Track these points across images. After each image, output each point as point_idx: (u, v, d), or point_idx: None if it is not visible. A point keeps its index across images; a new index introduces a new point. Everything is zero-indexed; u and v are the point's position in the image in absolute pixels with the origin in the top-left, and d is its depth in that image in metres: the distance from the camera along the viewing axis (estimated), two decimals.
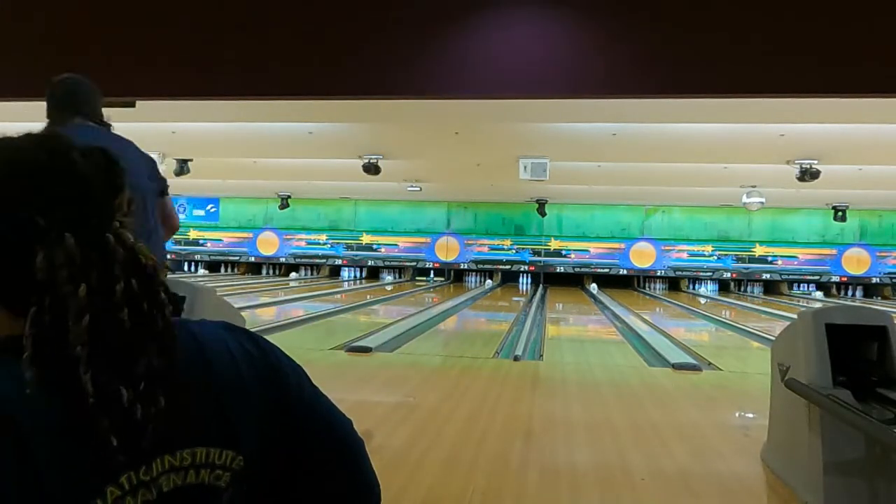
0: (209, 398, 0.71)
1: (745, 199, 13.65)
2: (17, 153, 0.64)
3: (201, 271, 20.43)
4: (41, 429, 0.59)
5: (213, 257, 20.98)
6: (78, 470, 0.60)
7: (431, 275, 20.43)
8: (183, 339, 0.71)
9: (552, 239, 19.74)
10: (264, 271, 21.01)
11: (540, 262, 19.83)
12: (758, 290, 19.40)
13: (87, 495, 0.60)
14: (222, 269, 20.95)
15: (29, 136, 0.66)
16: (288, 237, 20.57)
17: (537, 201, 17.32)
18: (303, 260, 20.70)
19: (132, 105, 4.34)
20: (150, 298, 0.64)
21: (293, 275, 20.49)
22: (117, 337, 0.61)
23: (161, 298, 0.66)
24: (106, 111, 2.91)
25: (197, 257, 20.91)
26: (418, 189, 15.39)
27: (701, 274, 19.47)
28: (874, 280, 18.65)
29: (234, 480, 0.70)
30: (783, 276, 19.14)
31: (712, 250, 19.25)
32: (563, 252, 19.74)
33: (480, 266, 20.07)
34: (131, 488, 0.63)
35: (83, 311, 0.59)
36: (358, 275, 20.70)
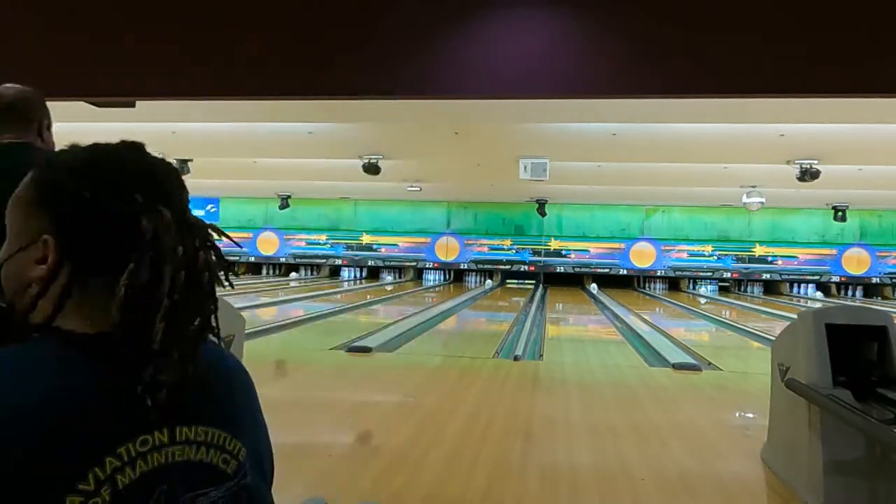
0: (227, 391, 0.80)
1: (745, 199, 13.65)
2: (115, 151, 0.79)
3: None
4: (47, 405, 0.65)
5: None
6: (76, 441, 0.64)
7: (434, 277, 20.41)
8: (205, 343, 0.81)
9: (552, 239, 19.74)
10: (264, 271, 21.01)
11: (540, 262, 19.83)
12: (758, 290, 19.40)
13: (84, 466, 0.64)
14: None
15: (122, 142, 0.82)
16: (288, 237, 20.56)
17: (537, 201, 17.32)
18: (303, 260, 20.70)
19: (132, 105, 4.34)
20: (213, 272, 0.77)
21: (293, 275, 20.49)
22: (197, 298, 0.74)
23: (218, 274, 0.79)
24: (107, 111, 2.90)
25: None
26: (418, 189, 15.39)
27: (701, 274, 19.47)
28: (874, 280, 18.65)
29: (238, 470, 0.75)
30: (783, 276, 19.14)
31: (712, 250, 19.25)
32: (563, 252, 19.74)
33: (480, 266, 20.07)
34: (129, 459, 0.67)
35: (180, 267, 0.71)
36: (358, 275, 20.70)
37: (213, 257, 0.78)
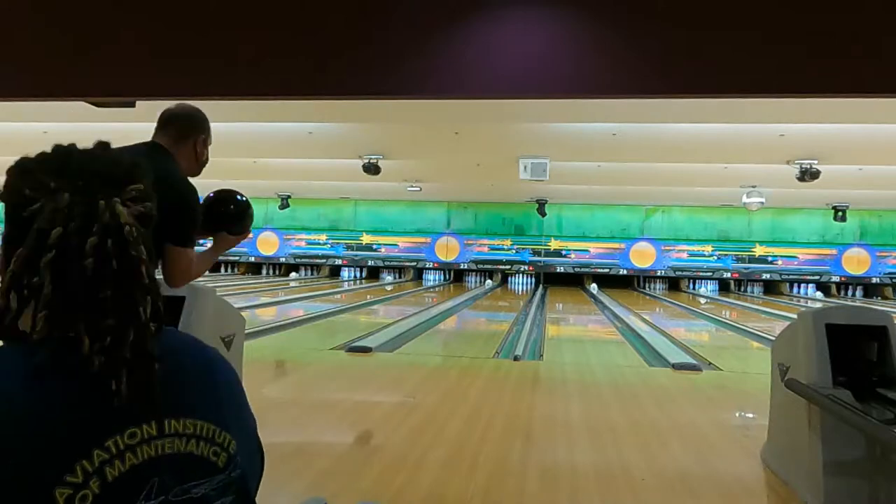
0: (211, 384, 0.80)
1: (745, 199, 13.65)
2: (66, 148, 0.79)
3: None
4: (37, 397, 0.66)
5: None
6: (62, 434, 0.65)
7: (432, 277, 20.41)
8: (184, 337, 0.82)
9: (552, 239, 19.74)
10: (264, 271, 21.01)
11: (540, 262, 19.83)
12: (758, 290, 19.40)
13: (71, 459, 0.64)
14: (222, 269, 20.94)
15: (97, 142, 0.82)
16: (288, 237, 20.56)
17: (537, 201, 17.32)
18: (303, 260, 20.69)
19: (132, 105, 4.34)
20: (123, 260, 0.73)
21: (293, 275, 20.49)
22: (77, 283, 0.70)
23: (135, 266, 0.74)
24: (107, 111, 2.90)
25: None
26: (418, 189, 15.39)
27: (701, 274, 19.47)
28: (874, 280, 18.65)
29: (229, 463, 0.76)
30: (783, 276, 19.14)
31: (712, 250, 19.25)
32: (563, 252, 19.74)
33: (480, 266, 20.07)
34: (118, 452, 0.67)
35: (49, 249, 0.70)
36: (358, 275, 20.70)
37: (112, 246, 0.72)
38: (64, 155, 0.78)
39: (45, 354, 0.68)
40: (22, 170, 0.76)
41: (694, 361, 6.73)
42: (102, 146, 0.81)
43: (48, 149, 0.79)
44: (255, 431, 0.85)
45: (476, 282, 20.03)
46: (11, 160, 0.79)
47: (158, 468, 0.69)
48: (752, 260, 19.15)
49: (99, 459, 0.65)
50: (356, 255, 20.38)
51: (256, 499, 0.82)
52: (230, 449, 0.76)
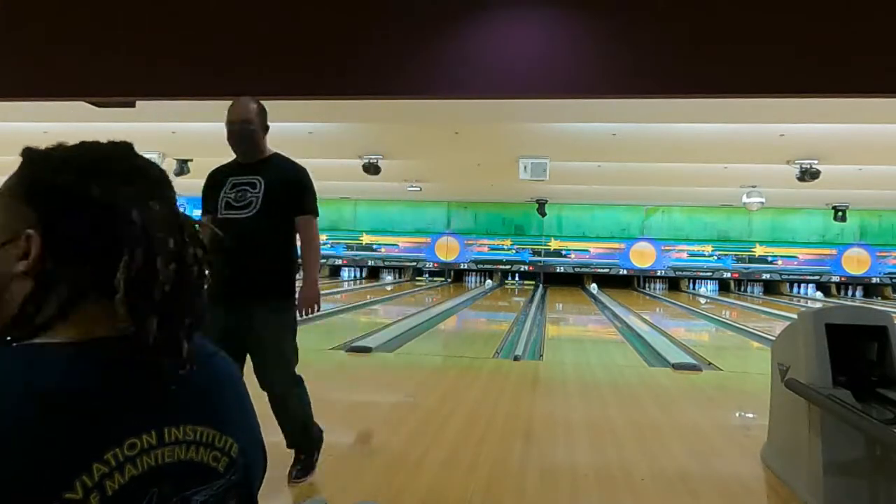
0: (217, 386, 0.79)
1: (745, 199, 13.65)
2: (102, 148, 0.79)
3: None
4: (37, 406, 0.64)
5: None
6: (60, 448, 0.63)
7: (426, 275, 20.40)
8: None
9: (552, 239, 19.73)
10: None
11: (540, 262, 19.82)
12: (758, 290, 19.40)
13: (70, 474, 0.63)
14: None
15: (109, 142, 0.81)
16: None
17: (537, 201, 17.32)
18: None
19: (132, 105, 4.34)
20: (202, 267, 0.76)
21: None
22: (187, 293, 0.73)
23: (204, 272, 0.77)
24: (107, 111, 2.91)
25: None
26: (418, 189, 15.39)
27: (701, 274, 19.47)
28: (874, 280, 18.65)
29: (230, 466, 0.75)
30: (783, 276, 19.14)
31: (712, 250, 19.25)
32: (563, 252, 19.74)
33: (480, 266, 20.07)
34: (118, 464, 0.65)
35: (171, 258, 0.71)
36: (358, 275, 20.70)
37: (201, 252, 0.76)
38: (125, 159, 0.78)
39: (53, 368, 0.66)
40: (80, 169, 0.74)
41: (694, 361, 6.73)
42: (125, 147, 0.80)
43: (70, 148, 0.77)
44: (257, 429, 0.84)
45: (476, 282, 20.03)
46: (11, 160, 0.77)
47: (159, 478, 0.68)
48: (752, 260, 19.15)
49: (99, 473, 0.64)
50: (356, 255, 20.38)
51: (258, 498, 0.82)
52: (231, 453, 0.75)
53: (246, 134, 3.04)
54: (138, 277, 0.69)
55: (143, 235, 0.71)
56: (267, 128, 3.21)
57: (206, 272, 0.77)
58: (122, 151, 0.79)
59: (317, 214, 3.45)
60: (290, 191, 3.21)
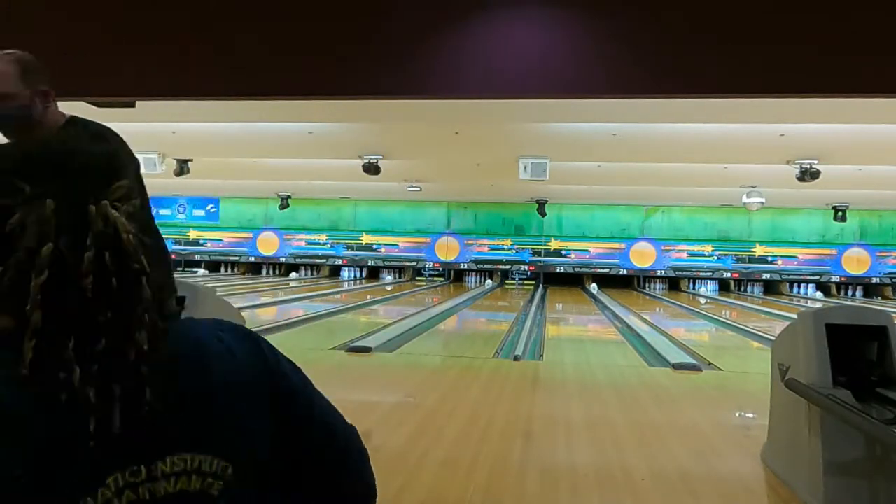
0: (205, 408, 0.71)
1: (745, 199, 13.65)
2: (26, 144, 0.70)
3: (201, 271, 20.42)
4: (33, 424, 0.61)
5: (213, 257, 20.97)
6: (64, 468, 0.61)
7: (427, 274, 20.39)
8: (183, 345, 0.72)
9: (552, 239, 19.73)
10: (264, 271, 21.01)
11: (540, 262, 19.82)
12: (758, 290, 19.40)
13: (78, 493, 0.60)
14: (222, 269, 20.94)
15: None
16: (288, 237, 20.56)
17: (537, 201, 17.32)
18: (303, 260, 20.69)
19: (132, 105, 4.34)
20: (123, 277, 0.63)
21: (293, 275, 20.49)
22: (77, 306, 0.61)
23: (138, 282, 0.65)
24: (107, 111, 2.91)
25: (197, 257, 20.90)
26: (418, 189, 15.39)
27: (701, 274, 19.47)
28: (874, 280, 18.65)
29: (226, 489, 0.70)
30: (783, 276, 19.14)
31: (712, 250, 19.25)
32: (563, 252, 19.74)
33: (480, 266, 20.07)
34: (117, 490, 0.63)
35: (41, 269, 0.60)
36: (358, 275, 20.70)
37: (111, 260, 0.63)
38: (30, 151, 0.69)
39: (28, 392, 0.61)
40: None
41: (694, 361, 6.73)
42: (62, 138, 0.73)
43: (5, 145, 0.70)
44: (263, 432, 0.75)
45: (476, 282, 20.03)
46: None
47: None
48: (752, 260, 19.14)
49: None
50: (356, 255, 20.38)
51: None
52: (226, 476, 0.70)
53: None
54: (8, 293, 0.61)
55: (14, 241, 0.61)
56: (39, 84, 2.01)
57: (140, 280, 0.65)
58: (51, 144, 0.70)
59: None
60: None
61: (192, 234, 20.75)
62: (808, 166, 9.67)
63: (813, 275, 18.91)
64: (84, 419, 0.61)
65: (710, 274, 19.41)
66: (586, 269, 19.60)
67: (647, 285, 19.67)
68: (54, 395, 0.61)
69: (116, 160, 0.70)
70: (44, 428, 0.61)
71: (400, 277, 20.47)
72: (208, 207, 20.65)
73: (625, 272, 19.49)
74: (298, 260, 20.69)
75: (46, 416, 0.61)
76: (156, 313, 0.66)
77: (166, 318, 0.70)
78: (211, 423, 0.71)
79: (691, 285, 19.75)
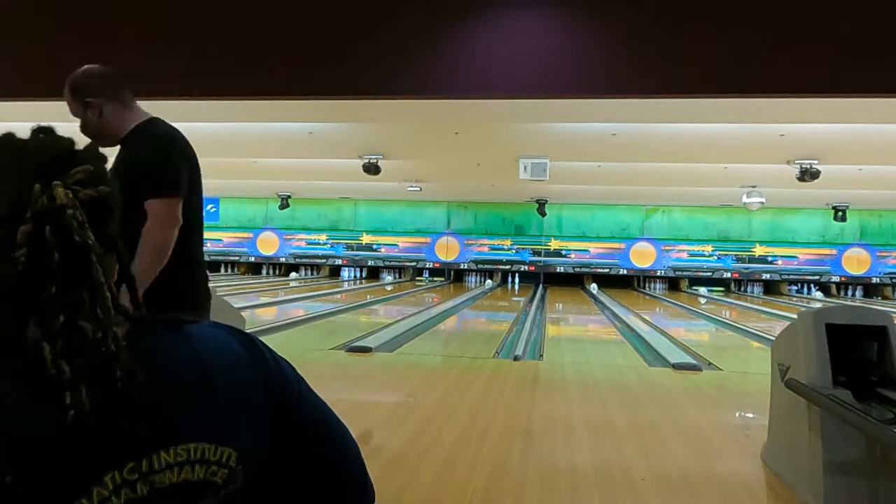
0: (205, 396, 0.71)
1: (745, 199, 13.65)
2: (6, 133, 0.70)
3: None
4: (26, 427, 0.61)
5: (213, 257, 20.97)
6: (60, 468, 0.60)
7: (426, 274, 20.40)
8: (176, 339, 0.73)
9: (552, 239, 19.73)
10: (264, 271, 21.01)
11: (540, 262, 19.82)
12: (758, 290, 19.40)
13: (71, 495, 0.60)
14: (222, 269, 20.94)
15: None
16: (288, 237, 20.56)
17: (537, 201, 17.32)
18: (303, 260, 20.69)
19: None
20: (66, 250, 0.63)
21: (293, 275, 20.49)
22: (7, 280, 0.61)
23: (83, 255, 0.63)
24: None
25: None
26: (418, 189, 15.39)
27: (701, 274, 19.47)
28: (874, 280, 18.65)
29: (229, 477, 0.70)
30: (783, 276, 19.14)
31: (712, 250, 19.25)
32: (563, 252, 19.74)
33: (480, 266, 20.07)
34: (115, 488, 0.63)
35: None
36: (358, 275, 20.70)
37: (57, 233, 0.62)
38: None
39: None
40: None
41: (694, 361, 6.72)
42: (40, 131, 0.71)
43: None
44: (265, 422, 0.76)
45: (476, 282, 20.03)
46: None
47: (156, 501, 0.65)
48: (752, 260, 19.14)
49: (99, 498, 0.61)
50: (356, 255, 20.38)
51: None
52: (230, 463, 0.70)
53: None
54: None
55: None
56: (106, 92, 2.50)
57: (87, 254, 0.63)
58: (9, 134, 0.71)
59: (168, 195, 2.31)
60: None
61: None
62: (808, 166, 9.67)
63: (813, 275, 18.91)
64: (70, 413, 0.60)
65: (710, 274, 19.40)
66: (586, 269, 19.60)
67: (647, 285, 19.67)
68: (35, 389, 0.60)
69: (82, 152, 0.70)
70: (28, 425, 0.61)
71: (400, 277, 20.46)
72: (208, 207, 20.58)
73: (625, 272, 19.49)
74: (298, 260, 20.70)
75: (30, 413, 0.61)
76: (109, 293, 0.65)
77: (139, 308, 0.71)
78: (211, 411, 0.71)
79: (692, 285, 19.76)
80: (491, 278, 19.91)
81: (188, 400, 0.70)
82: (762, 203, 13.72)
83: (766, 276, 19.17)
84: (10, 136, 0.70)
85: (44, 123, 0.73)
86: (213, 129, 8.80)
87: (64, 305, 0.62)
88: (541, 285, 18.96)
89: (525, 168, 9.96)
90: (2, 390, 0.62)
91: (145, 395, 0.64)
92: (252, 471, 0.73)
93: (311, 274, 20.74)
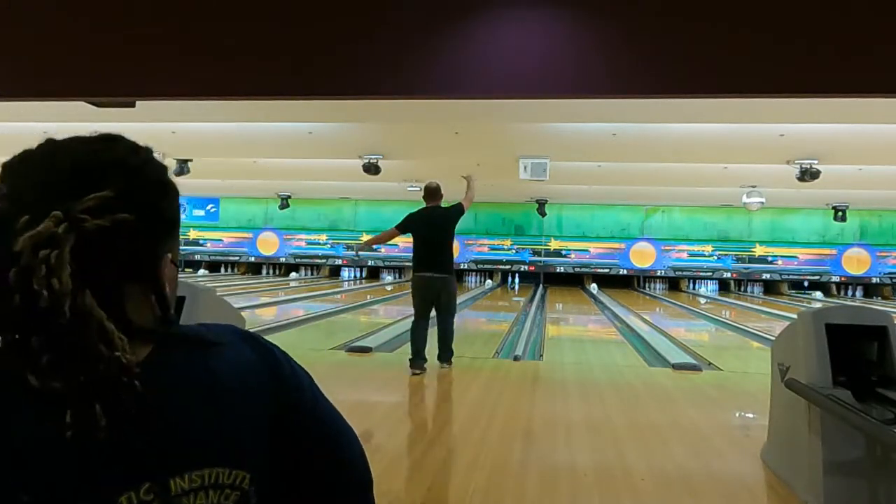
0: (219, 418, 0.70)
1: (745, 199, 13.64)
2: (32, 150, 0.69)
3: (201, 271, 20.43)
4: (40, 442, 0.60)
5: (213, 257, 20.97)
6: (73, 490, 0.60)
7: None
8: (196, 358, 0.71)
9: (552, 239, 19.73)
10: (264, 271, 21.01)
11: (540, 262, 19.82)
12: (758, 290, 19.40)
13: None
14: (222, 269, 20.94)
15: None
16: (288, 237, 20.56)
17: (537, 201, 17.32)
18: (303, 260, 20.69)
19: (132, 105, 4.34)
20: (50, 296, 0.59)
21: (293, 275, 20.49)
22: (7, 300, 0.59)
23: (57, 304, 0.60)
24: (107, 111, 2.91)
25: (197, 257, 20.90)
26: (418, 189, 15.37)
27: (701, 274, 19.46)
28: (874, 280, 18.64)
29: (241, 499, 0.70)
30: (783, 276, 19.13)
31: (712, 250, 19.25)
32: (563, 252, 19.73)
33: (480, 266, 20.07)
34: None
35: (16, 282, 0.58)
36: (358, 275, 20.70)
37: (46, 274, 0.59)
38: (17, 159, 0.67)
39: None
40: None
41: (694, 361, 6.73)
42: (83, 141, 0.68)
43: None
44: (266, 446, 0.74)
45: (476, 282, 20.03)
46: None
47: None
48: (752, 260, 19.14)
49: None
50: (356, 256, 20.39)
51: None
52: (243, 485, 0.69)
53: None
54: None
55: None
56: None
57: (59, 303, 0.59)
58: (45, 148, 0.69)
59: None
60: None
61: (192, 234, 20.73)
62: (808, 166, 9.67)
63: (813, 275, 18.90)
64: (82, 437, 0.59)
65: (710, 274, 19.40)
66: (586, 269, 19.59)
67: (647, 285, 19.67)
68: (42, 406, 0.60)
69: (100, 171, 0.66)
70: (38, 443, 0.60)
71: (400, 277, 20.47)
72: (208, 207, 20.64)
73: (625, 272, 19.49)
74: (298, 260, 20.70)
75: (39, 431, 0.60)
76: (117, 320, 0.63)
77: (167, 321, 0.70)
78: (225, 434, 0.70)
79: (691, 285, 19.75)
80: (491, 278, 19.90)
81: (202, 423, 0.68)
82: (762, 203, 13.72)
83: (766, 276, 19.16)
84: (47, 146, 0.68)
85: (111, 132, 0.71)
86: (214, 129, 8.80)
87: (65, 334, 0.60)
88: (541, 285, 18.95)
89: (525, 168, 9.96)
90: (13, 407, 0.61)
91: (157, 416, 0.64)
92: (264, 488, 0.73)
93: (311, 274, 20.75)
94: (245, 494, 0.70)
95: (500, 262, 20.02)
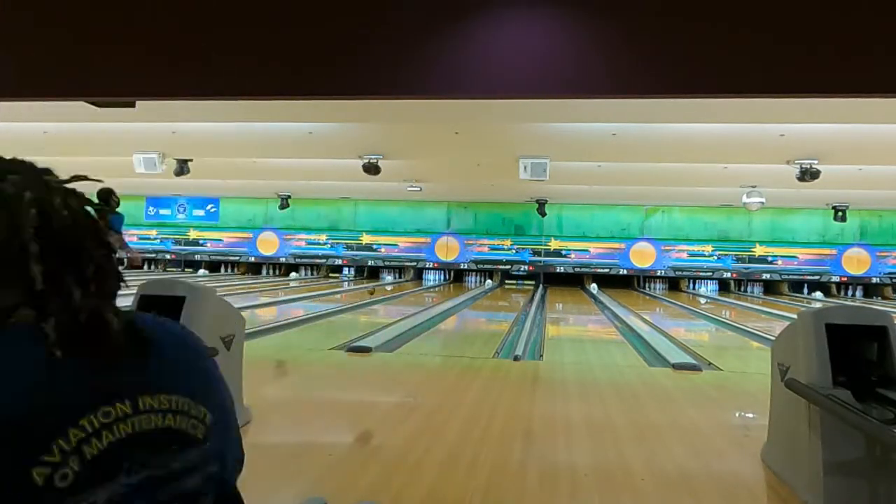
0: (186, 359, 0.83)
1: (745, 199, 13.64)
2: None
3: (201, 271, 20.43)
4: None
5: (213, 257, 20.97)
6: (35, 415, 0.66)
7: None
8: (165, 318, 0.85)
9: (552, 239, 19.73)
10: (264, 271, 21.01)
11: (540, 262, 19.82)
12: (758, 290, 19.39)
13: (47, 439, 0.65)
14: (222, 269, 20.94)
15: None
16: (288, 237, 20.56)
17: (537, 201, 17.32)
18: (303, 260, 20.70)
19: (132, 105, 4.34)
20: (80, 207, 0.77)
21: (293, 275, 20.49)
22: (63, 233, 0.74)
23: (95, 224, 0.78)
24: (107, 111, 2.90)
25: (197, 257, 20.91)
26: (418, 189, 15.38)
27: (701, 274, 19.47)
28: (874, 280, 18.64)
29: (207, 435, 0.78)
30: (783, 276, 19.13)
31: (712, 250, 19.25)
32: (563, 252, 19.74)
33: (480, 266, 20.07)
34: (94, 431, 0.68)
35: (30, 205, 0.72)
36: (355, 273, 20.71)
37: (75, 201, 0.77)
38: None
39: (8, 338, 0.69)
40: None
41: (694, 361, 6.73)
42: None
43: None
44: (231, 411, 0.86)
45: (476, 282, 20.03)
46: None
47: (137, 444, 0.70)
48: (752, 260, 19.14)
49: (76, 438, 0.66)
50: (356, 255, 20.38)
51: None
52: (206, 421, 0.78)
53: None
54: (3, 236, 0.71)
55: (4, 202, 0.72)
56: None
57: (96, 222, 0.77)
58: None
59: None
60: None
61: (192, 234, 20.74)
62: (808, 166, 9.67)
63: (813, 275, 18.91)
64: (59, 365, 0.68)
65: (710, 274, 19.40)
66: (586, 269, 19.59)
67: (647, 285, 19.67)
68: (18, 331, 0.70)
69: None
70: (10, 362, 0.68)
71: (400, 277, 20.47)
72: (208, 207, 20.65)
73: (625, 272, 19.49)
74: (298, 260, 20.70)
75: (13, 352, 0.69)
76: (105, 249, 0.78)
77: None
78: (191, 373, 0.82)
79: (691, 285, 19.75)
80: (491, 278, 19.91)
81: (170, 358, 0.80)
82: (762, 203, 13.72)
83: (765, 276, 19.16)
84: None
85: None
86: (214, 129, 8.80)
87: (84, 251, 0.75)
88: (541, 285, 18.96)
89: (525, 168, 9.96)
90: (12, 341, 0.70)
91: (139, 343, 0.75)
92: (222, 437, 0.81)
93: (311, 274, 20.75)
94: (208, 430, 0.78)
95: (500, 262, 20.02)
